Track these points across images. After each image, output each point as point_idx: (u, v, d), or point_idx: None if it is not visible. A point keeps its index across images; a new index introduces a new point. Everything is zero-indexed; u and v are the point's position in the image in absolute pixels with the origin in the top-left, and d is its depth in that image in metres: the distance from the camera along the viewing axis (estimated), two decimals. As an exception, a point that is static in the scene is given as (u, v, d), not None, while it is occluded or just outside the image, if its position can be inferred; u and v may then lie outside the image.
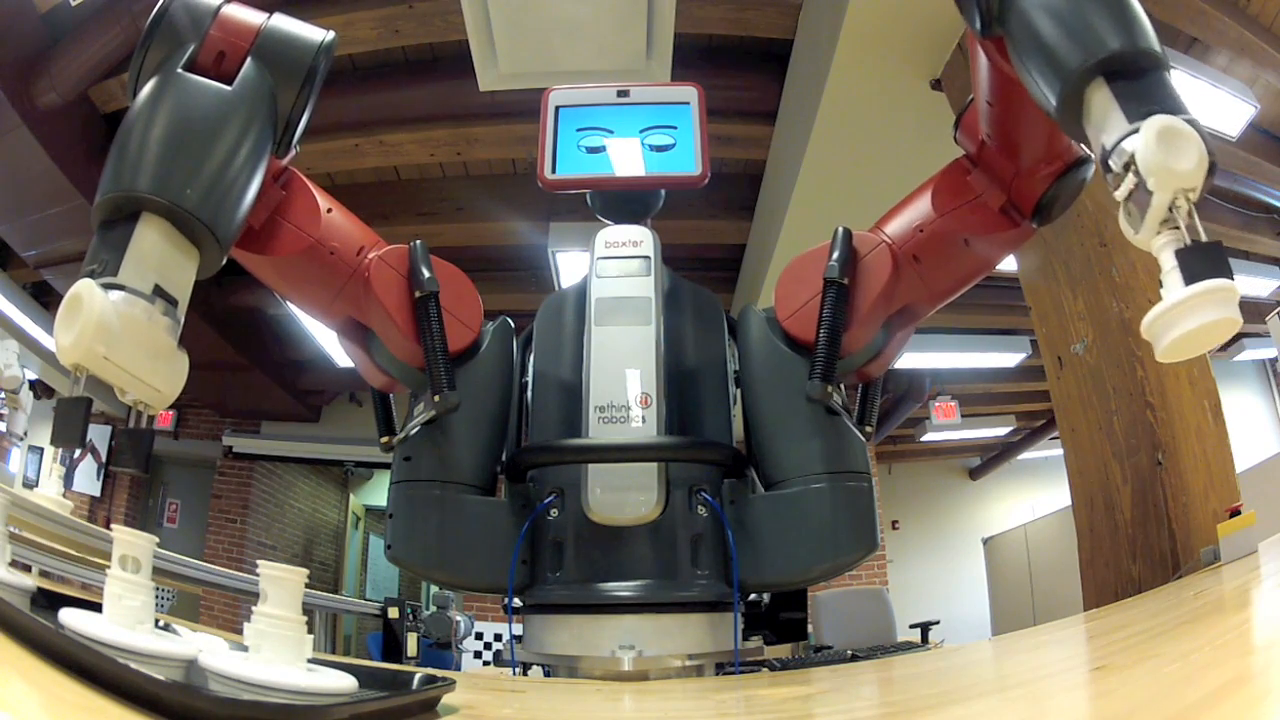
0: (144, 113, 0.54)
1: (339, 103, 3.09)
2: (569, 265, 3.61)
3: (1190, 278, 0.48)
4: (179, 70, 0.57)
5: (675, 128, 0.99)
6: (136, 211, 0.51)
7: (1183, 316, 0.49)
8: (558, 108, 1.01)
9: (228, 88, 0.58)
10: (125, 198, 0.51)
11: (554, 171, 0.97)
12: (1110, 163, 0.52)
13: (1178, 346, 0.50)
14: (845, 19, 2.28)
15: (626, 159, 0.98)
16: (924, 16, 2.28)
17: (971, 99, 0.82)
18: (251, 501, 6.11)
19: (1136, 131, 0.50)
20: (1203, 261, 0.48)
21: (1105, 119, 0.53)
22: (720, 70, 2.97)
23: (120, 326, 0.47)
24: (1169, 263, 0.50)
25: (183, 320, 0.53)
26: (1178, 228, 0.50)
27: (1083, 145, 0.59)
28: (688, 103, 1.00)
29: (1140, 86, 0.53)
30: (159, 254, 0.51)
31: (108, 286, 0.48)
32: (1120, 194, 0.51)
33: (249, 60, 0.60)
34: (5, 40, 2.55)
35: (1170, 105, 0.52)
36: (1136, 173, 0.49)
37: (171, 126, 0.54)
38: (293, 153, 0.84)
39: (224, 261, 0.57)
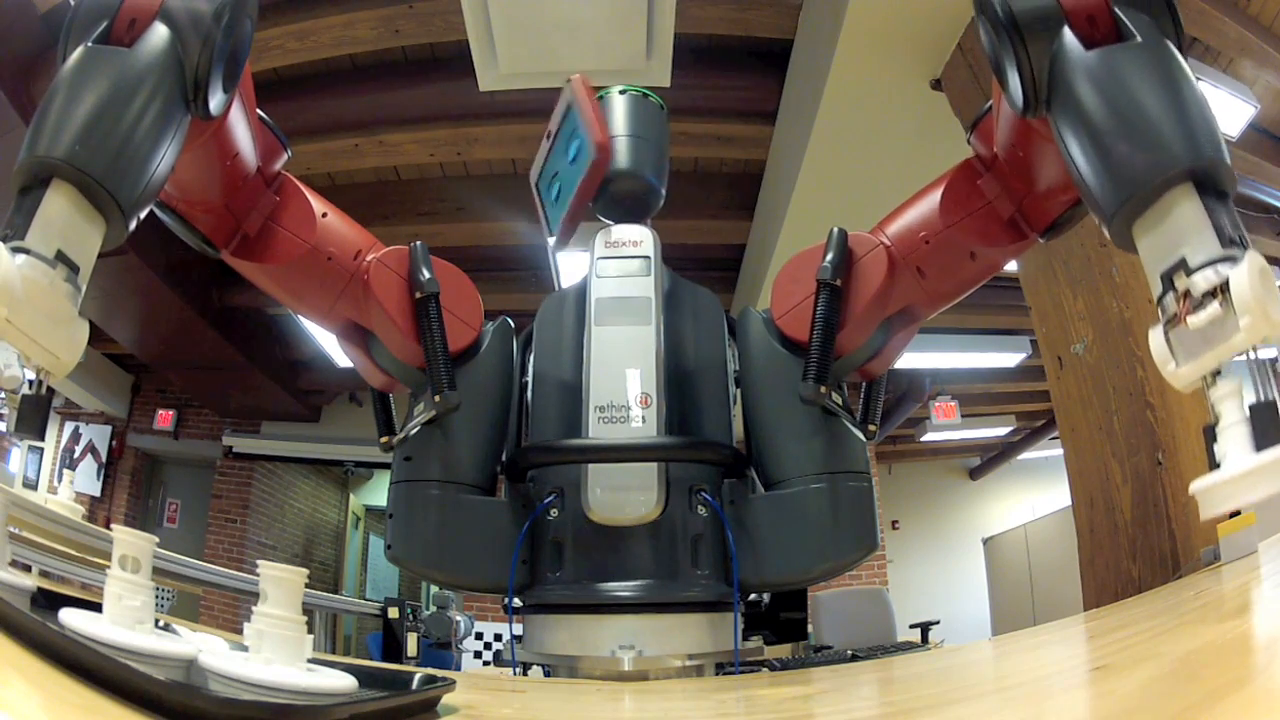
0: (56, 84, 0.54)
1: (339, 103, 3.09)
2: (569, 265, 3.60)
3: (1262, 440, 0.44)
4: (89, 43, 0.57)
5: (575, 128, 0.95)
6: (49, 177, 0.51)
7: (1249, 487, 0.44)
8: (535, 183, 1.04)
9: (126, 50, 0.57)
10: (36, 162, 0.51)
11: (551, 234, 0.98)
12: (1189, 281, 0.48)
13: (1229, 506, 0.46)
14: (845, 19, 2.28)
15: (569, 185, 0.96)
16: (924, 16, 2.27)
17: (990, 106, 0.78)
18: (251, 501, 6.11)
19: (1231, 259, 0.47)
20: (1273, 423, 0.45)
21: (1190, 233, 0.49)
22: (720, 70, 2.97)
23: (23, 290, 0.47)
24: (1231, 417, 0.47)
25: (84, 288, 0.52)
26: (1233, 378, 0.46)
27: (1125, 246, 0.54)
28: (570, 97, 0.96)
29: (1227, 207, 0.50)
30: (64, 219, 0.51)
31: (15, 250, 0.48)
32: (1198, 321, 0.47)
33: (154, 22, 0.59)
34: (5, 40, 2.55)
35: (1246, 237, 0.49)
36: (1226, 303, 0.46)
37: (75, 93, 0.53)
38: (285, 156, 0.84)
39: (130, 230, 0.56)
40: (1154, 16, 0.58)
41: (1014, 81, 0.61)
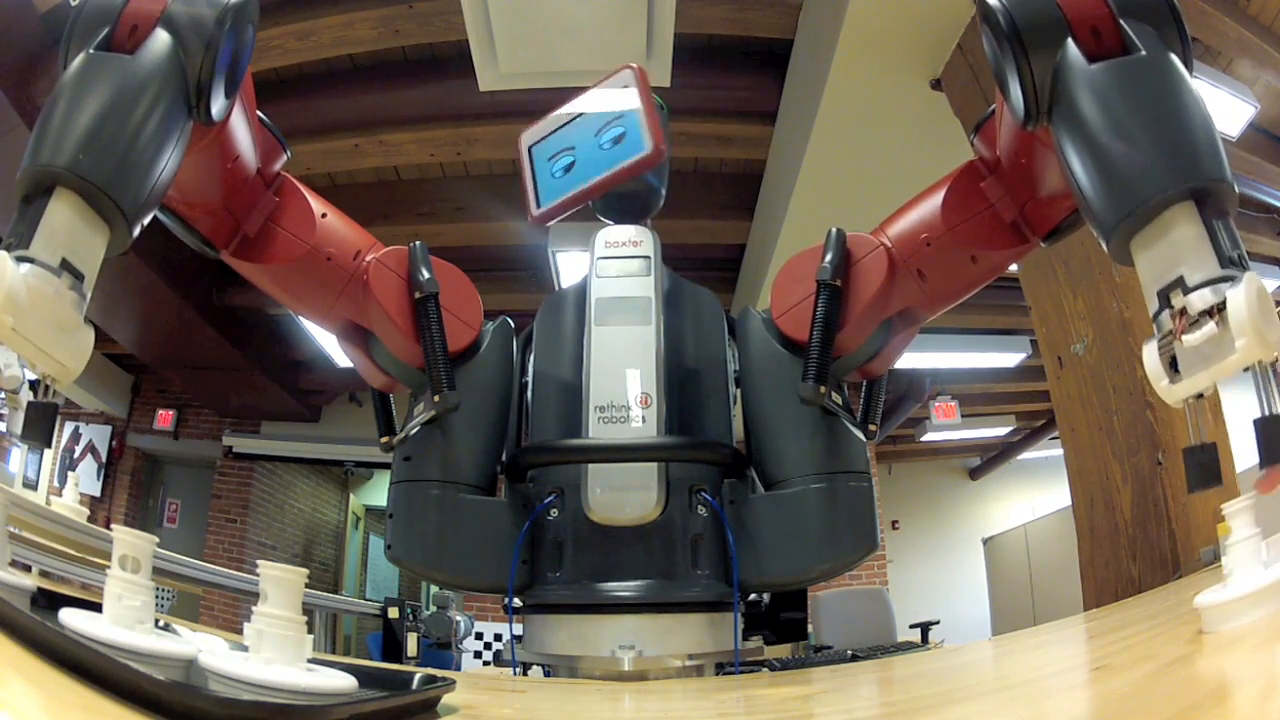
0: (58, 91, 0.54)
1: (339, 103, 3.09)
2: (569, 265, 3.61)
3: (1268, 456, 0.44)
4: (90, 50, 0.57)
5: (622, 116, 0.96)
6: (53, 186, 0.51)
7: (1257, 605, 0.45)
8: (529, 147, 1.02)
9: (129, 56, 0.57)
10: (40, 171, 0.51)
11: (539, 206, 0.97)
12: (1186, 300, 0.48)
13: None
14: (845, 19, 2.28)
15: (591, 166, 0.96)
16: (924, 16, 2.28)
17: (994, 109, 0.77)
18: (251, 501, 6.10)
19: (1230, 279, 0.47)
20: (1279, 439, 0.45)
21: (1188, 251, 0.49)
22: (720, 70, 2.97)
23: (28, 299, 0.47)
24: (1242, 532, 0.47)
25: (89, 295, 0.52)
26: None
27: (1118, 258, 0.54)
28: (628, 86, 0.97)
29: (1228, 226, 0.49)
30: (68, 228, 0.51)
31: (19, 259, 0.48)
32: (1194, 339, 0.47)
33: (156, 29, 0.59)
34: (5, 40, 2.55)
35: (1245, 257, 0.48)
36: (1223, 324, 0.46)
37: (77, 101, 0.54)
38: (285, 157, 0.84)
39: (134, 237, 0.56)
40: (1159, 29, 0.57)
41: (1015, 91, 0.60)
